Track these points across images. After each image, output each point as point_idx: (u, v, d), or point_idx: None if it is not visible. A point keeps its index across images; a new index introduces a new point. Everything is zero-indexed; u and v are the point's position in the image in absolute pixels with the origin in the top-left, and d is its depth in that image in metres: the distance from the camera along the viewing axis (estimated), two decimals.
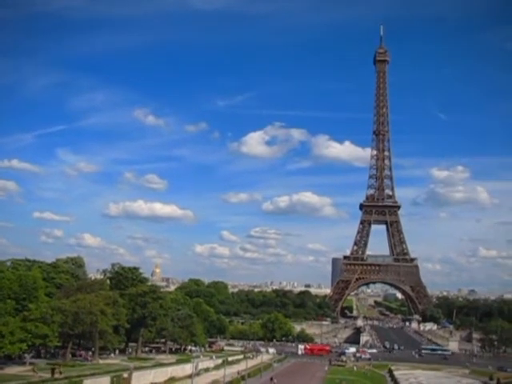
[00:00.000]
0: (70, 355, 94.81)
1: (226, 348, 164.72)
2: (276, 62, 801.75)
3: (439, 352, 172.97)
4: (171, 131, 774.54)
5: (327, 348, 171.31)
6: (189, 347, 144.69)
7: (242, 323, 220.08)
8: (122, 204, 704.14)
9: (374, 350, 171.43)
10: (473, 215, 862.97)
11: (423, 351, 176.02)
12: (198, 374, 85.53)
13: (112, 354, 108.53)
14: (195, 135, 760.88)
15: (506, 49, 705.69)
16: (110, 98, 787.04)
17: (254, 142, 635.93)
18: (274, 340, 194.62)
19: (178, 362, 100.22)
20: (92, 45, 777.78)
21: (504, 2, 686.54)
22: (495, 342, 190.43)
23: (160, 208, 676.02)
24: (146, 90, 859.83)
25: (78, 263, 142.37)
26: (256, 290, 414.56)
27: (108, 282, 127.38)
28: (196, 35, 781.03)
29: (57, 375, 66.64)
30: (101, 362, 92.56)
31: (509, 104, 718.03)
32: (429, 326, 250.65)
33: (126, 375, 70.96)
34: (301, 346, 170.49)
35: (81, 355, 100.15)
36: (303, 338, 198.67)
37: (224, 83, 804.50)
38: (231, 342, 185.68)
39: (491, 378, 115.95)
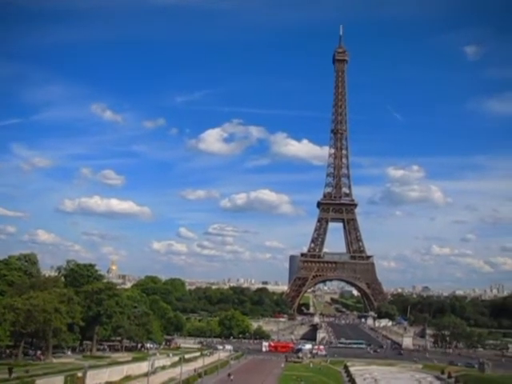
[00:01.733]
0: (22, 354, 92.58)
1: (182, 345, 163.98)
2: (235, 59, 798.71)
3: (355, 346, 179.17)
4: (129, 127, 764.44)
5: (290, 345, 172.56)
6: (145, 345, 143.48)
7: (200, 320, 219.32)
8: (78, 200, 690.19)
9: (321, 347, 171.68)
10: (427, 214, 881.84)
11: (339, 344, 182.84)
12: (154, 371, 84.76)
13: (68, 353, 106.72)
14: (153, 131, 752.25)
15: (463, 52, 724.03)
16: (67, 92, 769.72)
17: (212, 139, 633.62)
18: (232, 337, 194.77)
19: (134, 360, 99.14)
20: (50, 37, 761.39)
21: (463, 6, 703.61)
22: (447, 338, 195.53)
23: (117, 204, 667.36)
24: (104, 85, 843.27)
25: (31, 260, 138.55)
26: (213, 287, 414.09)
27: (62, 279, 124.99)
28: (155, 30, 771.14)
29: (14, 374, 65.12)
30: (54, 361, 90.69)
31: (462, 106, 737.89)
32: (384, 322, 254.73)
33: (80, 374, 69.67)
34: (265, 343, 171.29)
35: (33, 354, 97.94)
36: (260, 334, 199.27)
37: (183, 79, 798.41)
38: (188, 339, 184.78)
39: (443, 372, 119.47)
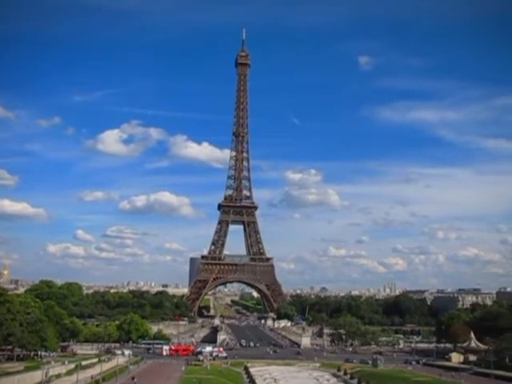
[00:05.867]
0: None
1: (79, 352, 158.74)
2: (137, 60, 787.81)
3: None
4: (22, 125, 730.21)
5: (191, 348, 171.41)
6: (39, 353, 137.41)
7: (97, 325, 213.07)
8: None
9: (221, 349, 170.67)
10: (325, 216, 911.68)
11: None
12: (48, 380, 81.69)
13: None
14: (48, 130, 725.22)
15: (357, 61, 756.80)
16: None
17: (111, 140, 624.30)
18: (131, 341, 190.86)
19: (26, 369, 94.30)
20: None
21: (357, 18, 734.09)
22: (343, 336, 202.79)
23: (9, 205, 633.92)
24: None
25: None
26: (112, 290, 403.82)
27: None
28: (54, 27, 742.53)
29: None
30: None
31: (356, 113, 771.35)
32: (283, 323, 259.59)
33: None
34: (166, 347, 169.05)
35: None
36: (160, 338, 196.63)
37: (82, 78, 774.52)
38: (85, 345, 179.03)
39: (339, 369, 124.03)
